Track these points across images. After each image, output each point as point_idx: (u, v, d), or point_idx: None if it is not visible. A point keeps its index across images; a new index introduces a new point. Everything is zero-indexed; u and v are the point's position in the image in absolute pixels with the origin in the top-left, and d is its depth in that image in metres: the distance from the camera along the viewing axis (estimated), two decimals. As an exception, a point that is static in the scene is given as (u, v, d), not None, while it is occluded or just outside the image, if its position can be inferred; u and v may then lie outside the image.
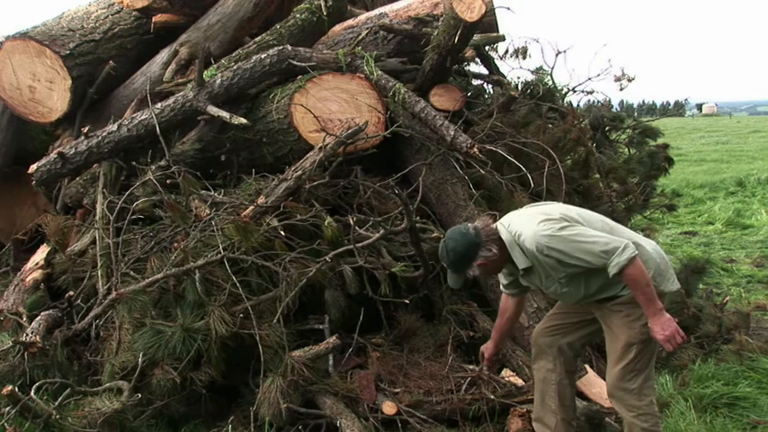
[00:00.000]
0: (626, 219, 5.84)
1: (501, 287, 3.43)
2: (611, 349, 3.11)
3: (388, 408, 3.77)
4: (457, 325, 4.39)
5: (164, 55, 5.57)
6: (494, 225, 3.11)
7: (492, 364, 3.68)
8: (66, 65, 5.27)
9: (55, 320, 4.11)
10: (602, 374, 4.12)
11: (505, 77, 6.48)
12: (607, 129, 6.78)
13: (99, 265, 4.35)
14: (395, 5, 5.90)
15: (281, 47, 4.95)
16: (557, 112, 6.20)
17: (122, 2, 5.81)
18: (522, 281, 3.22)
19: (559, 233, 2.91)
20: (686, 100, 19.84)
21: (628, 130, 6.89)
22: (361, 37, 5.31)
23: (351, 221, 4.10)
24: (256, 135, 4.85)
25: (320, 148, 4.45)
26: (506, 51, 6.55)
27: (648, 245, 3.13)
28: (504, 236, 3.06)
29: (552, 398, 3.33)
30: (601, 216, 3.21)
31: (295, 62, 4.89)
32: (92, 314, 4.13)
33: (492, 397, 3.86)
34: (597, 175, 5.74)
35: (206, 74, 4.84)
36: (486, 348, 3.55)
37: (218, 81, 4.76)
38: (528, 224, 3.01)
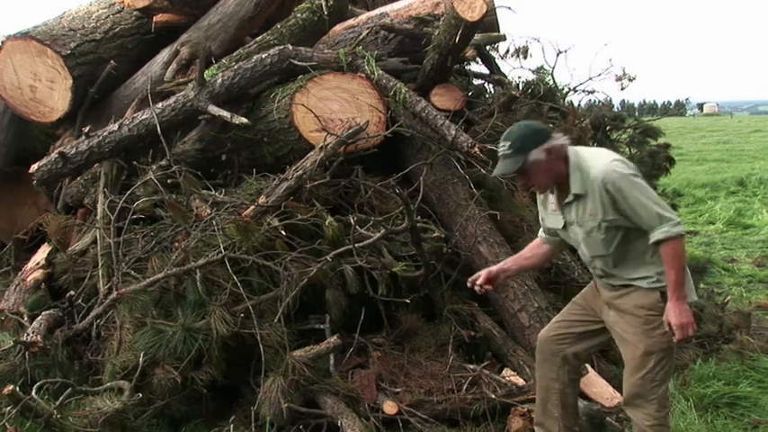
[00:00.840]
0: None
1: (540, 231, 3.33)
2: (629, 358, 3.03)
3: (389, 407, 3.77)
4: (458, 325, 4.39)
5: (164, 55, 5.57)
6: (566, 140, 3.01)
7: (486, 283, 3.30)
8: (68, 64, 5.27)
9: (56, 320, 4.11)
10: (602, 374, 4.13)
11: (506, 77, 6.47)
12: (608, 128, 6.76)
13: (100, 264, 4.35)
14: (396, 5, 5.89)
15: (281, 46, 4.95)
16: (558, 112, 6.19)
17: (123, 2, 5.80)
18: (563, 213, 3.07)
19: (631, 177, 2.86)
20: (687, 99, 19.76)
21: (629, 130, 6.87)
22: (362, 36, 5.31)
23: (352, 221, 4.10)
24: (257, 135, 4.85)
25: (321, 147, 4.45)
26: (507, 51, 6.54)
27: None
28: (572, 156, 2.97)
29: (555, 405, 3.28)
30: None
31: (296, 62, 4.89)
32: (93, 314, 4.13)
33: (493, 396, 3.86)
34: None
35: (207, 73, 4.84)
36: (491, 267, 3.38)
37: (219, 81, 4.76)
38: (601, 156, 2.97)
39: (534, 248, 3.39)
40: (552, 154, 2.94)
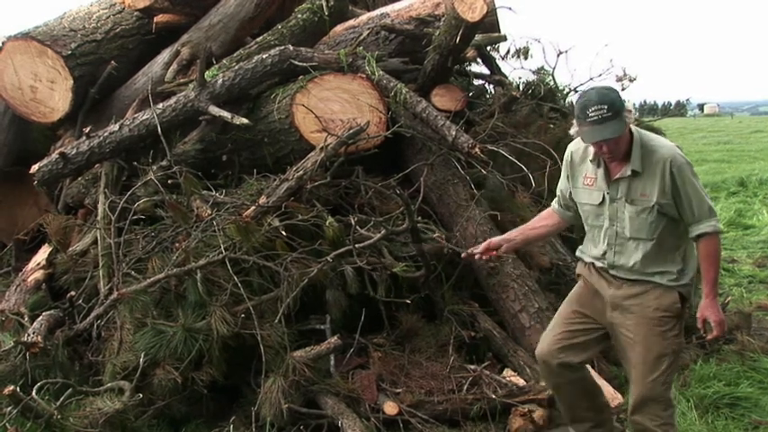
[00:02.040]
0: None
1: (554, 202, 3.30)
2: (639, 361, 2.97)
3: (390, 408, 3.77)
4: (458, 325, 4.39)
5: (165, 55, 5.57)
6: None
7: (487, 252, 3.28)
8: (68, 65, 5.27)
9: (56, 320, 4.12)
10: (602, 374, 4.12)
11: (507, 77, 6.47)
12: (609, 129, 6.77)
13: (100, 265, 4.35)
14: (396, 5, 5.90)
15: (282, 47, 4.95)
16: (558, 113, 6.19)
17: (124, 2, 5.81)
18: (608, 188, 2.98)
19: (691, 169, 2.89)
20: (688, 100, 19.76)
21: (629, 130, 6.87)
22: (362, 37, 5.32)
23: (352, 221, 4.09)
24: (258, 135, 4.85)
25: (322, 148, 4.45)
26: (508, 51, 6.54)
27: None
28: (635, 132, 2.95)
29: (577, 396, 3.26)
30: None
31: (296, 62, 4.89)
32: (93, 314, 4.13)
33: (493, 397, 3.86)
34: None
35: (207, 74, 4.84)
36: (496, 237, 3.37)
37: (220, 81, 4.76)
38: (664, 140, 3.01)
39: (543, 219, 3.36)
40: (628, 123, 2.90)
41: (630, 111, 2.89)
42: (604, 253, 3.07)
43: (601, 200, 3.04)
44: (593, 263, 3.15)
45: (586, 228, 3.19)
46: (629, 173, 2.93)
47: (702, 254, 2.89)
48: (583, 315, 3.18)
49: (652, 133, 3.05)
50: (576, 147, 3.16)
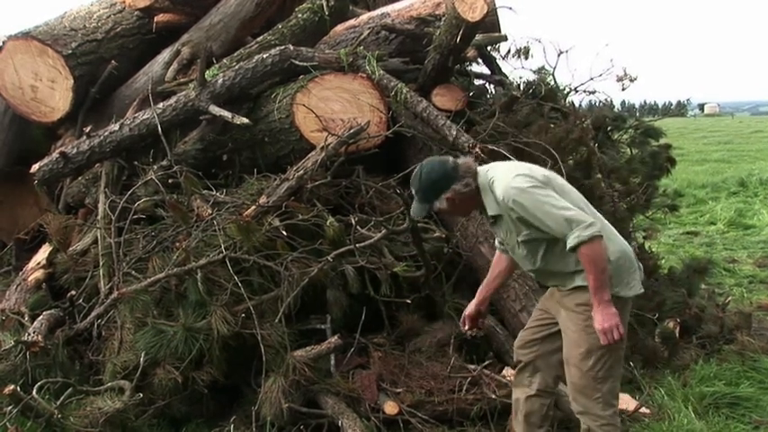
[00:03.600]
0: (628, 219, 5.83)
1: (496, 242, 3.35)
2: (571, 356, 3.00)
3: (390, 408, 3.77)
4: (459, 324, 4.37)
5: (165, 55, 5.57)
6: (474, 166, 3.04)
7: (473, 325, 3.41)
8: (69, 64, 5.27)
9: (57, 320, 4.12)
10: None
11: (507, 77, 6.47)
12: (609, 129, 6.76)
13: (101, 264, 4.35)
14: (397, 5, 5.89)
15: (282, 46, 4.95)
16: (559, 112, 6.18)
17: (124, 1, 5.81)
18: (492, 230, 3.17)
19: (530, 190, 2.84)
20: (688, 100, 19.75)
21: (630, 131, 6.86)
22: (363, 37, 5.31)
23: (353, 221, 4.10)
24: (258, 135, 4.85)
25: (322, 147, 4.45)
26: (508, 51, 6.52)
27: (622, 244, 3.03)
28: (481, 179, 3.00)
29: (519, 412, 3.27)
30: (583, 198, 3.10)
31: (297, 62, 4.89)
32: (94, 314, 4.14)
33: (493, 396, 3.86)
34: (599, 175, 5.72)
35: (208, 73, 4.84)
36: (468, 308, 3.42)
37: (220, 81, 4.76)
38: (505, 174, 2.96)
39: (497, 265, 3.40)
40: (456, 199, 2.99)
41: (452, 196, 2.97)
42: None
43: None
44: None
45: None
46: (491, 219, 3.06)
47: (582, 263, 2.84)
48: (545, 311, 3.23)
49: (498, 170, 3.04)
50: None
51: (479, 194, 3.01)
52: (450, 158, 3.06)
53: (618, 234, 3.08)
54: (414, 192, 3.06)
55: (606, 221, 3.10)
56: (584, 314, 2.91)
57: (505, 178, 2.92)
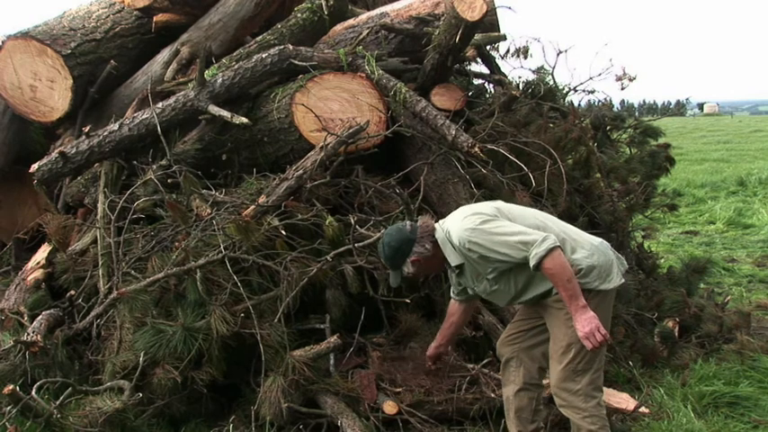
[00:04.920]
0: (627, 218, 5.84)
1: (451, 292, 3.47)
2: (552, 350, 3.09)
3: (389, 407, 3.77)
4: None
5: (165, 54, 5.57)
6: (432, 223, 3.16)
7: (435, 363, 3.72)
8: (68, 64, 5.27)
9: (56, 320, 4.12)
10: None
11: (507, 77, 6.47)
12: (608, 128, 6.77)
13: (100, 264, 4.35)
14: (396, 5, 5.89)
15: (282, 46, 4.94)
16: (558, 112, 6.19)
17: (123, 1, 5.81)
18: (459, 281, 3.26)
19: (480, 226, 2.94)
20: (687, 99, 19.84)
21: (629, 130, 6.88)
22: (362, 36, 5.31)
23: (352, 221, 4.10)
24: (257, 134, 4.85)
25: (321, 147, 4.45)
26: (507, 51, 6.54)
27: (592, 244, 3.08)
28: (438, 234, 3.12)
29: (510, 409, 3.34)
30: (540, 213, 3.22)
31: (296, 61, 4.89)
32: (93, 313, 4.14)
33: (493, 396, 3.86)
34: (598, 175, 5.73)
35: (207, 73, 4.84)
36: (429, 349, 3.65)
37: (220, 80, 4.76)
38: (456, 220, 3.07)
39: (451, 315, 3.53)
40: (421, 260, 3.12)
41: (417, 259, 3.12)
42: None
43: (472, 291, 3.32)
44: None
45: None
46: (456, 271, 3.17)
47: (548, 278, 2.92)
48: (528, 307, 3.29)
49: (451, 219, 3.15)
50: None
51: (440, 250, 3.12)
52: (408, 223, 3.20)
53: (584, 235, 3.16)
54: (383, 259, 3.24)
55: (571, 228, 3.19)
56: (564, 308, 2.97)
57: (456, 224, 3.04)
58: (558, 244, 2.87)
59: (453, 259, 3.09)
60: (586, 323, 2.85)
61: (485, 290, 3.16)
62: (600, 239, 3.17)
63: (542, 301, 3.12)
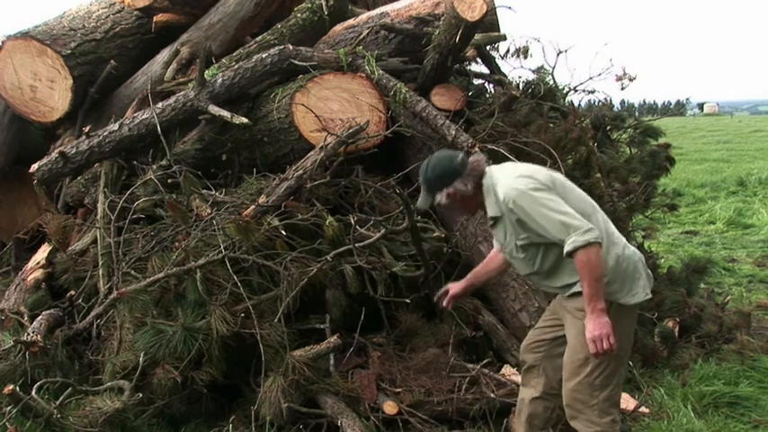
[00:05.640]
0: (627, 218, 5.84)
1: (494, 240, 3.32)
2: (569, 362, 2.97)
3: (390, 407, 3.77)
4: (460, 322, 4.37)
5: (165, 54, 5.57)
6: (483, 166, 3.01)
7: (450, 304, 3.41)
8: (68, 64, 5.28)
9: (56, 320, 4.12)
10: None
11: (507, 77, 6.46)
12: (608, 128, 6.76)
13: (100, 264, 4.35)
14: (396, 5, 5.89)
15: (282, 46, 4.95)
16: (558, 112, 6.18)
17: (123, 1, 5.81)
18: (492, 231, 3.14)
19: (530, 192, 2.81)
20: (687, 99, 19.82)
21: (629, 130, 6.87)
22: (362, 36, 5.31)
23: (352, 221, 4.10)
24: (257, 134, 4.85)
25: (321, 147, 4.45)
26: (507, 51, 6.53)
27: (629, 251, 2.98)
28: (485, 179, 2.98)
29: (523, 412, 3.26)
30: (590, 200, 3.05)
31: (296, 61, 4.89)
32: (93, 313, 4.14)
33: (493, 396, 3.86)
34: (598, 175, 5.73)
35: (207, 73, 4.84)
36: (455, 287, 3.39)
37: (220, 80, 4.76)
38: (508, 175, 2.94)
39: (491, 261, 3.38)
40: (457, 195, 2.98)
41: (453, 191, 2.97)
42: None
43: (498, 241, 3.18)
44: None
45: None
46: (491, 222, 3.04)
47: (577, 269, 2.79)
48: (553, 313, 3.20)
49: (502, 171, 3.02)
50: None
51: (482, 195, 2.99)
52: (461, 155, 3.05)
53: (623, 240, 3.03)
54: (421, 179, 3.06)
55: (613, 229, 3.04)
56: (583, 320, 2.87)
57: (507, 180, 2.90)
58: (600, 240, 2.75)
59: (491, 210, 2.96)
60: (598, 327, 2.75)
61: (510, 252, 3.05)
62: (634, 249, 3.04)
63: (564, 302, 3.01)
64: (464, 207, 3.14)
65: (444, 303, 3.39)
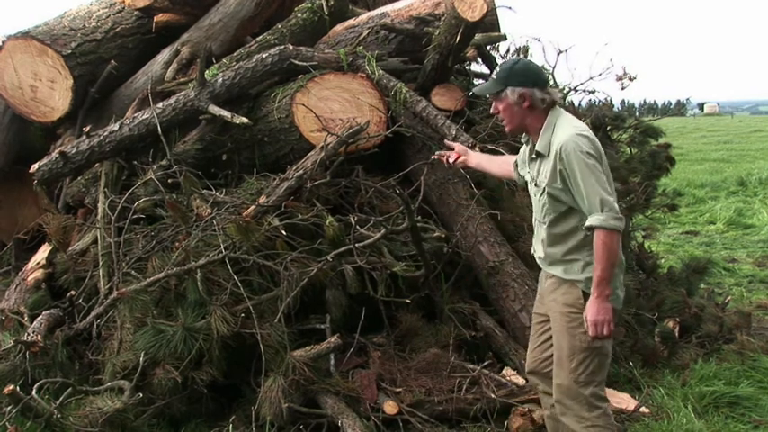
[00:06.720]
0: (627, 218, 5.84)
1: (517, 158, 3.32)
2: (556, 357, 2.98)
3: (390, 407, 3.77)
4: (459, 324, 4.38)
5: (165, 54, 5.57)
6: (558, 101, 2.98)
7: (454, 161, 3.51)
8: (68, 64, 5.27)
9: (56, 320, 4.12)
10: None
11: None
12: (608, 128, 6.76)
13: (100, 264, 4.35)
14: (396, 5, 5.89)
15: (282, 46, 4.95)
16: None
17: (124, 1, 5.81)
18: (525, 165, 3.12)
19: (585, 157, 2.77)
20: (688, 99, 19.82)
21: (629, 130, 6.86)
22: (362, 36, 5.31)
23: (352, 221, 4.09)
24: (257, 134, 4.85)
25: (321, 147, 4.45)
26: (508, 51, 6.53)
27: (620, 253, 2.93)
28: (552, 114, 2.94)
29: (549, 427, 3.22)
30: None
31: (297, 61, 4.89)
32: (93, 313, 4.14)
33: (493, 396, 3.86)
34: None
35: (207, 73, 4.84)
36: (463, 150, 3.53)
37: (220, 80, 4.76)
38: (572, 126, 2.89)
39: (504, 162, 3.46)
40: (525, 102, 2.92)
41: (525, 94, 2.90)
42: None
43: (526, 180, 3.15)
44: (533, 256, 3.21)
45: None
46: (534, 155, 3.00)
47: (594, 248, 2.77)
48: (540, 312, 3.19)
49: (569, 119, 2.96)
50: None
51: (539, 122, 2.95)
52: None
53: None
54: (498, 69, 3.00)
55: None
56: (569, 316, 2.89)
57: (571, 129, 2.87)
58: (622, 229, 2.75)
59: (541, 145, 2.92)
60: (601, 312, 2.76)
61: (531, 189, 3.04)
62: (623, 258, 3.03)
63: (553, 295, 2.98)
64: (515, 117, 2.99)
65: (449, 160, 3.52)
